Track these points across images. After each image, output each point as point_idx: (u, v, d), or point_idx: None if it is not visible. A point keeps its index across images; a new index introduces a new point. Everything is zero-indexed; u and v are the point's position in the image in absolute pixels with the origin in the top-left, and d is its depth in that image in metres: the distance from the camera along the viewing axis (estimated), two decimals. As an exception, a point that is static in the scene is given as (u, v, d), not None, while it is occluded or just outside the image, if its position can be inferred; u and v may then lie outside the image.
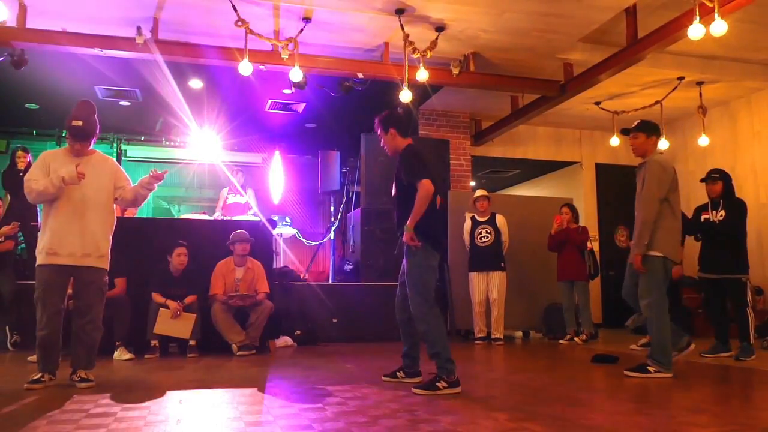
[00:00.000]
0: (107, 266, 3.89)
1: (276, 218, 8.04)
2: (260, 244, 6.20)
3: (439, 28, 6.19)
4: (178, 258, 5.61)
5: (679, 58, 7.07)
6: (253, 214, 7.87)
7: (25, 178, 3.75)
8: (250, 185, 8.58)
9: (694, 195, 6.98)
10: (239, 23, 5.61)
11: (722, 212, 5.36)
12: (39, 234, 3.79)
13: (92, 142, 3.93)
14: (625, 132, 4.44)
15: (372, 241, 7.68)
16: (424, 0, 5.69)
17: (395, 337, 6.38)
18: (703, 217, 5.48)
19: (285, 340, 6.35)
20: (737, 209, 5.35)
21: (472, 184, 9.52)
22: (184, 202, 11.03)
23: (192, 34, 6.26)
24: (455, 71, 6.71)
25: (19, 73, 6.26)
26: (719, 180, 5.45)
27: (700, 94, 7.81)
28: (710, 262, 5.43)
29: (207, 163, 9.94)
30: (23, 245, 6.77)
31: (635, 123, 4.38)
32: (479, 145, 9.35)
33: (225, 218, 7.43)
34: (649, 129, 4.28)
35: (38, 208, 7.03)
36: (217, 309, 5.62)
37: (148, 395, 3.39)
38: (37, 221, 6.63)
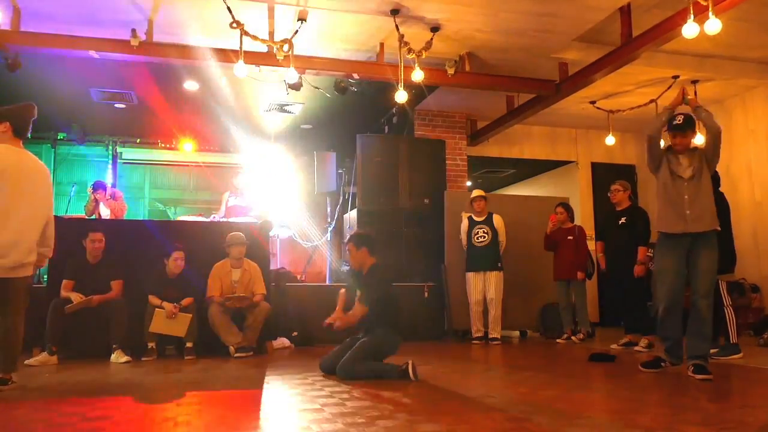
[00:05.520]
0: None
1: (273, 219, 8.02)
2: (257, 245, 6.19)
3: (434, 29, 6.19)
4: (175, 262, 5.60)
5: (673, 57, 7.08)
6: (256, 216, 7.85)
7: None
8: (250, 187, 8.56)
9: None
10: (234, 25, 5.60)
11: None
12: None
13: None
14: None
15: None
16: (418, 0, 5.69)
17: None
18: None
19: (282, 342, 6.34)
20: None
21: (468, 183, 9.53)
22: (180, 204, 11.01)
23: (187, 36, 6.25)
24: (451, 71, 6.71)
25: (13, 76, 6.23)
26: None
27: (695, 93, 7.83)
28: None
29: (203, 165, 9.93)
30: None
31: None
32: (475, 144, 9.36)
33: (225, 219, 7.41)
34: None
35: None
36: (214, 311, 5.61)
37: (146, 398, 3.39)
38: None
